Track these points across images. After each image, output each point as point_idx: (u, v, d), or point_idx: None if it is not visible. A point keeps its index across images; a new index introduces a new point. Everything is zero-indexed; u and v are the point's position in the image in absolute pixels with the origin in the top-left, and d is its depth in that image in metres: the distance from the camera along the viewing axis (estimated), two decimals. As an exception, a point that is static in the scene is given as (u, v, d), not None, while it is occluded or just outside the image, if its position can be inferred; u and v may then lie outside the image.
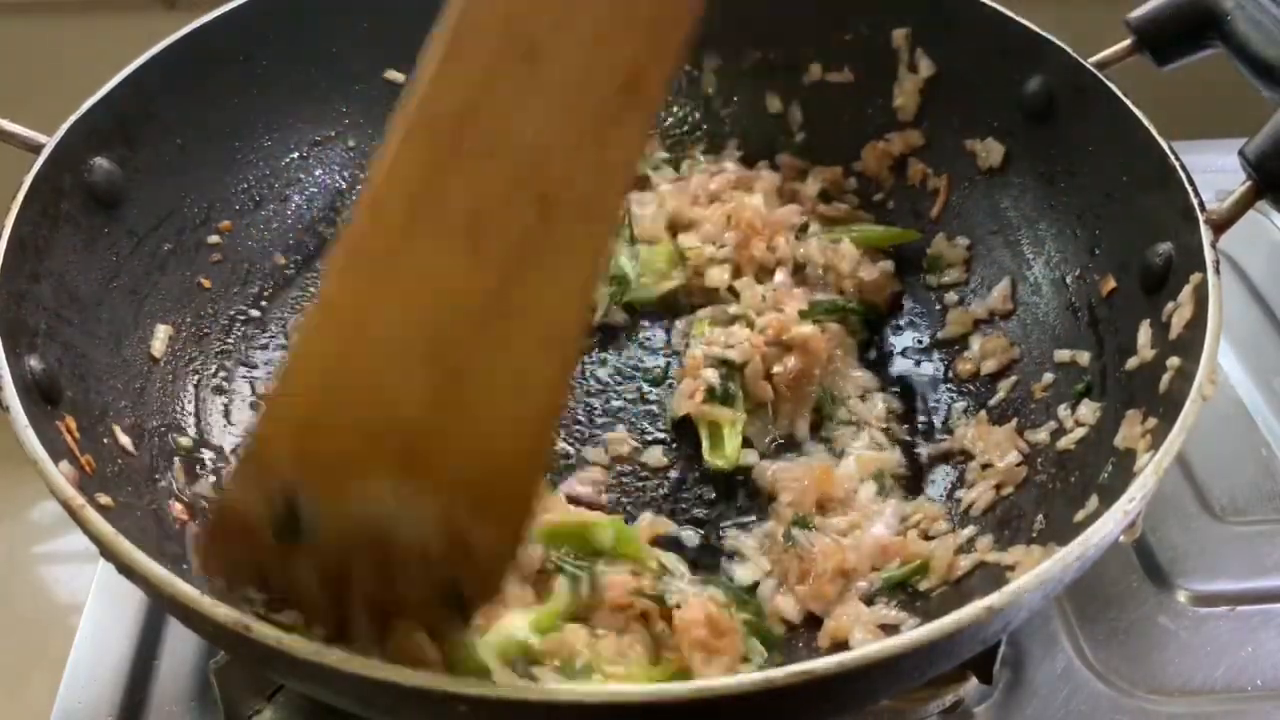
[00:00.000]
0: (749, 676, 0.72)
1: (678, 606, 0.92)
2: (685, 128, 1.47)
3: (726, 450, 1.12)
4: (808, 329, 1.17)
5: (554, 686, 0.73)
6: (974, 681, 1.04)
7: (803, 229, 1.31)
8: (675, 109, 1.46)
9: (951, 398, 1.20)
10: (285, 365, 0.73)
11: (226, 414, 1.17)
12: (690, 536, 1.07)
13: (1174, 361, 0.97)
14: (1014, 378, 1.18)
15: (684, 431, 1.16)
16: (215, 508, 0.81)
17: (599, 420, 1.17)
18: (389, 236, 0.68)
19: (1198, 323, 0.96)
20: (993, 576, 0.97)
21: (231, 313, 1.25)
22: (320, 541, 0.75)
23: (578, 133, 0.68)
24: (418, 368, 0.71)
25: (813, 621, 1.00)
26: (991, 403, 1.17)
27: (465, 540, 0.75)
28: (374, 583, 0.76)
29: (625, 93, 0.67)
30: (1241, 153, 1.02)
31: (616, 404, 1.19)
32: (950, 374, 1.22)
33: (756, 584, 1.03)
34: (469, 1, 0.66)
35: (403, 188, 0.68)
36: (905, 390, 1.21)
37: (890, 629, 0.97)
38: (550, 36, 0.65)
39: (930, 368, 1.24)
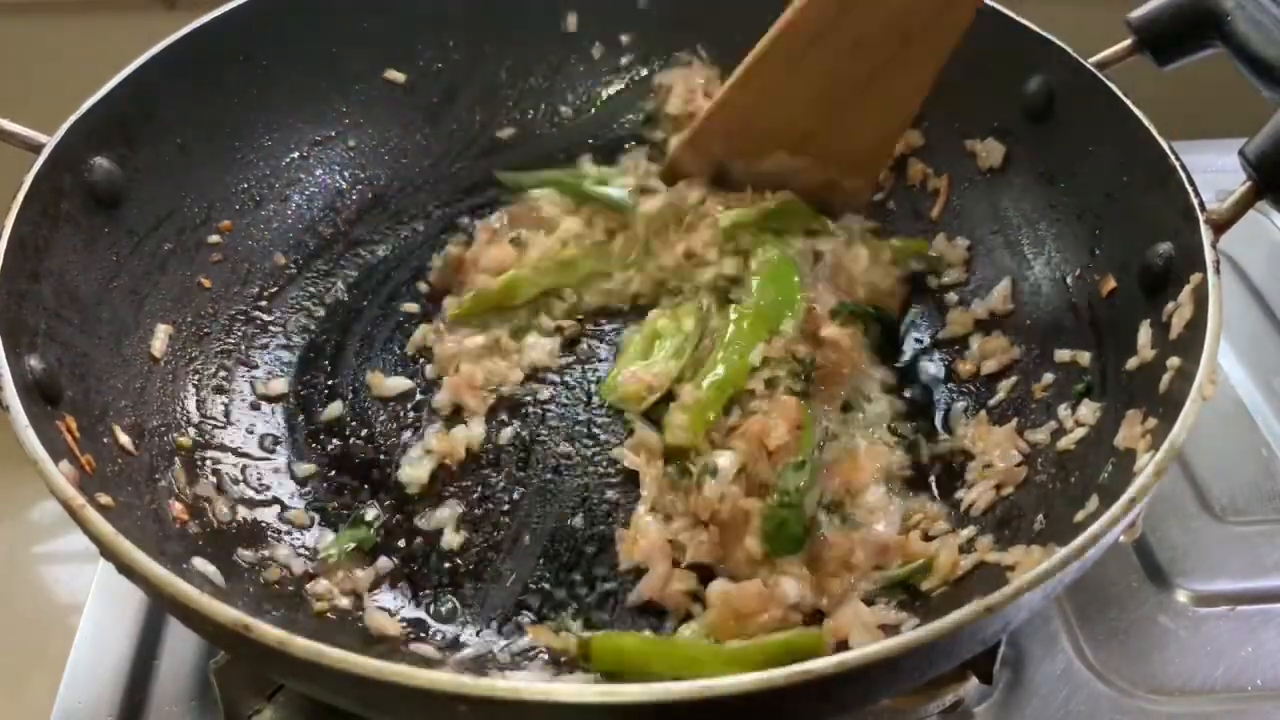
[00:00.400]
0: (749, 676, 0.72)
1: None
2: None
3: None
4: (839, 329, 1.18)
5: (554, 686, 0.73)
6: (974, 681, 1.04)
7: None
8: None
9: (952, 398, 1.20)
10: (718, 100, 1.26)
11: (227, 414, 1.17)
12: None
13: (1174, 361, 0.97)
14: (1014, 378, 1.18)
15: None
16: (667, 163, 1.33)
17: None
18: (797, 48, 1.19)
19: (1198, 323, 0.96)
20: (993, 577, 0.97)
21: (232, 312, 1.25)
22: (740, 181, 1.30)
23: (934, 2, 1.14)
24: (812, 109, 1.23)
25: (815, 619, 1.00)
26: (992, 403, 1.17)
27: (837, 183, 1.29)
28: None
29: None
30: (1242, 153, 1.02)
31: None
32: (951, 374, 1.22)
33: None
34: None
35: (810, 26, 1.18)
36: (907, 390, 1.21)
37: (890, 629, 0.97)
38: None
39: (931, 368, 1.23)
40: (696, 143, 1.28)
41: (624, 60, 1.49)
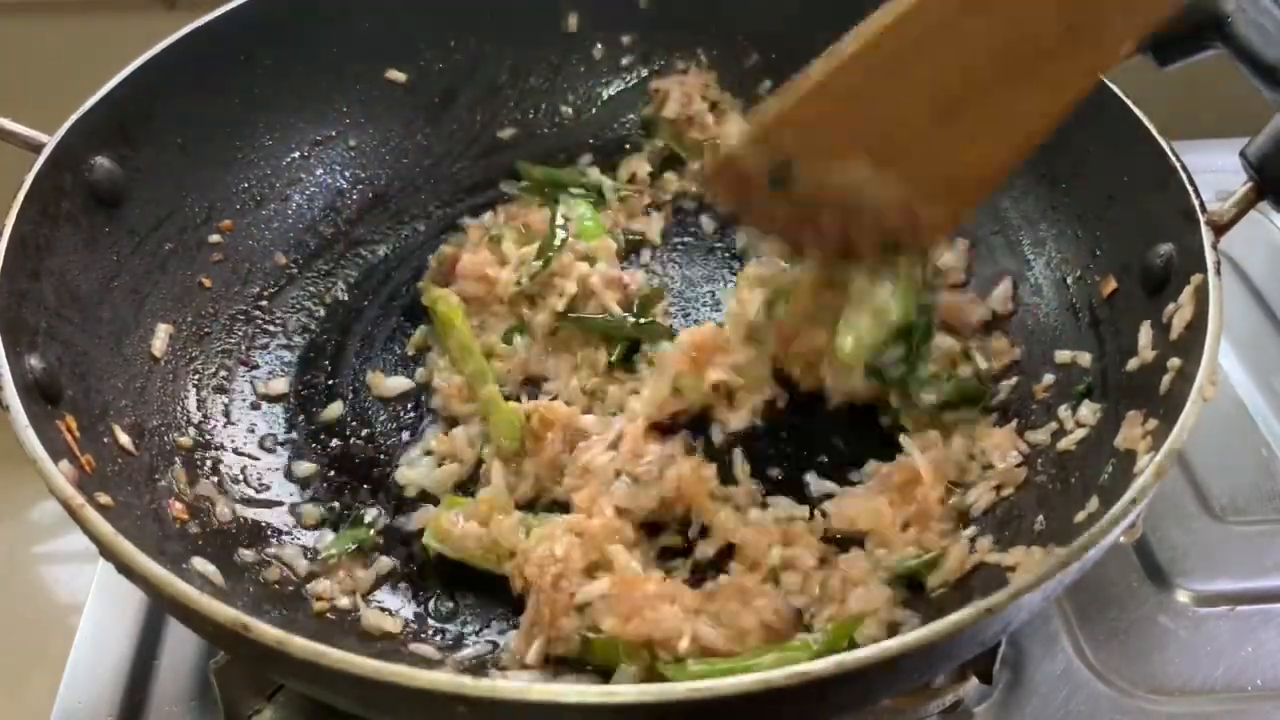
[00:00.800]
0: (749, 677, 0.72)
1: None
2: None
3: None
4: None
5: (554, 687, 0.73)
6: (974, 681, 1.04)
7: None
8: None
9: (952, 398, 1.20)
10: (809, 87, 0.99)
11: (227, 413, 1.17)
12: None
13: (1174, 362, 0.97)
14: (1015, 378, 1.18)
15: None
16: (723, 155, 1.09)
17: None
18: (922, 29, 0.94)
19: (1198, 324, 0.96)
20: (993, 577, 0.97)
21: (232, 312, 1.25)
22: (800, 191, 1.04)
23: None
24: (919, 110, 0.98)
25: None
26: (992, 403, 1.17)
27: (914, 213, 1.04)
28: (832, 225, 1.07)
29: None
30: (1243, 154, 1.02)
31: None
32: (951, 374, 1.22)
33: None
34: None
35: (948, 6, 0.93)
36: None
37: (892, 627, 0.98)
38: None
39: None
40: (770, 133, 1.04)
41: (625, 60, 1.49)
